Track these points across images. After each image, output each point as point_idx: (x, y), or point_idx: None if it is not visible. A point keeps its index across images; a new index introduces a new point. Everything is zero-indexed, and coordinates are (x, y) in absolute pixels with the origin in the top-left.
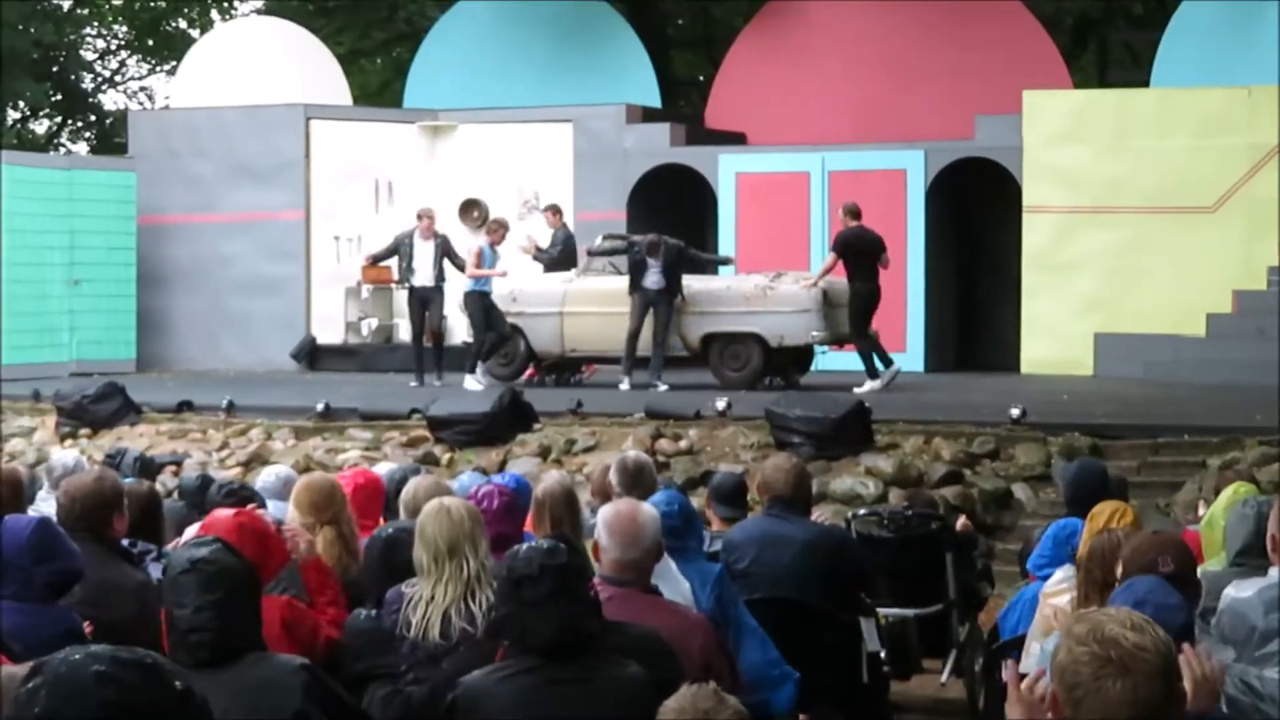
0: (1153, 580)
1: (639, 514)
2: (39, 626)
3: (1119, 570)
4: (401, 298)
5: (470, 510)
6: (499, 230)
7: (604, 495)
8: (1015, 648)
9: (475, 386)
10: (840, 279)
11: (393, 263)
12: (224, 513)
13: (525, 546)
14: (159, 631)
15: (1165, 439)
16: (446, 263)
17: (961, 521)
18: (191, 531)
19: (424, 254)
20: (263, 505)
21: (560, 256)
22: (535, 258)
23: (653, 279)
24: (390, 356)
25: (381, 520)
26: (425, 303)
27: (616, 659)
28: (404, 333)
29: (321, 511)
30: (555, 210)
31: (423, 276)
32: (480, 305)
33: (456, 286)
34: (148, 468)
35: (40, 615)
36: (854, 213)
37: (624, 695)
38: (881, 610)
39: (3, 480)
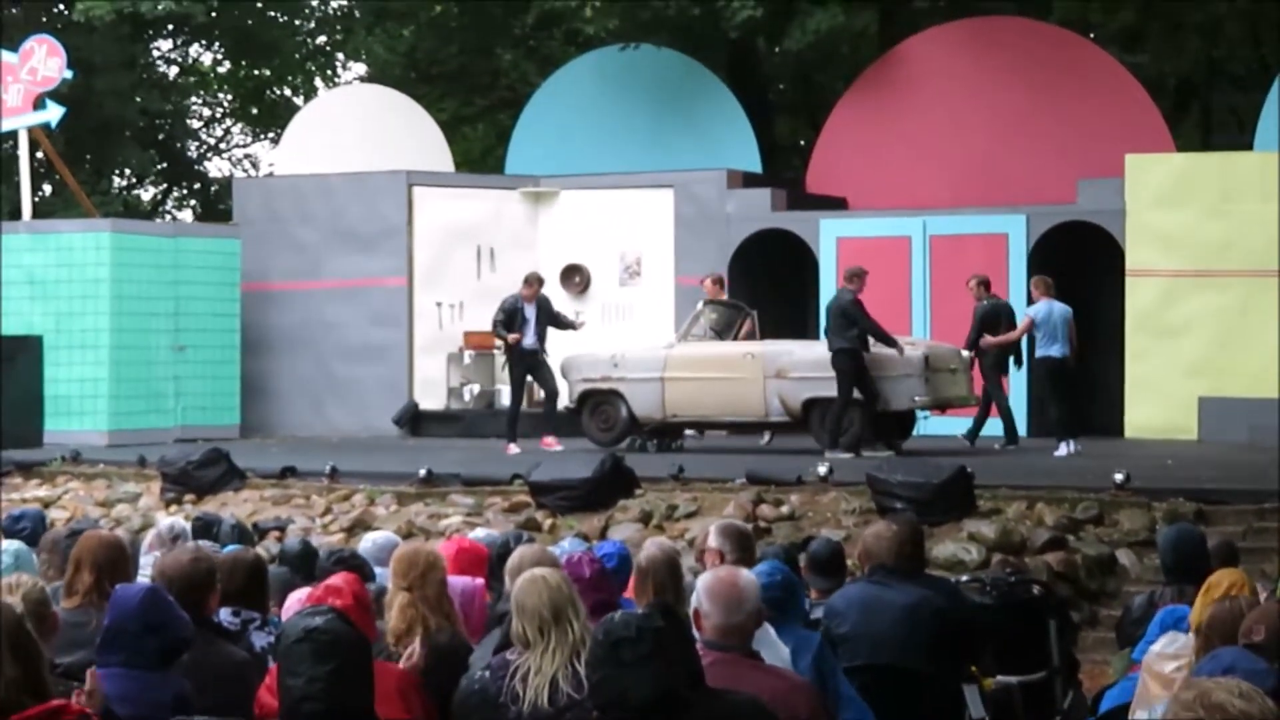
0: (1237, 649)
1: (739, 579)
2: (148, 692)
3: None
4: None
5: (564, 576)
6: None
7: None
8: (1119, 718)
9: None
10: (945, 344)
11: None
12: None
13: (621, 611)
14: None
15: (1271, 504)
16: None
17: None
18: (296, 597)
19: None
20: (371, 573)
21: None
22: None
23: None
24: (492, 422)
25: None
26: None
27: None
28: (507, 398)
29: (402, 579)
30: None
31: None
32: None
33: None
34: (245, 535)
35: (150, 681)
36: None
37: None
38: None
39: (110, 547)
